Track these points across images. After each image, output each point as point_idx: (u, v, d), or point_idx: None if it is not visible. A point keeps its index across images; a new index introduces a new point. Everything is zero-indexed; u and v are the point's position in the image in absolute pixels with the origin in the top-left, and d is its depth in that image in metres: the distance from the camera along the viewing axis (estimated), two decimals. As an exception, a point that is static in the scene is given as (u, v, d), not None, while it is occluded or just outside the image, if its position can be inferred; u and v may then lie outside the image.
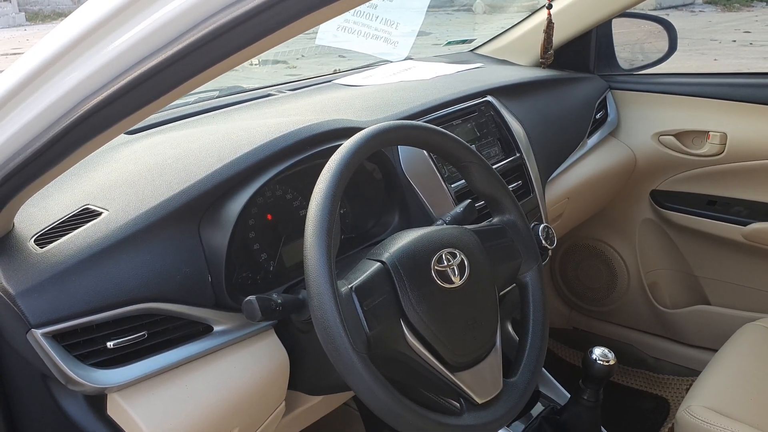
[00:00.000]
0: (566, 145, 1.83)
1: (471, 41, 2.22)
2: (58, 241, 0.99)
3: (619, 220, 2.19)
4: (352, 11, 1.90)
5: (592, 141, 1.96)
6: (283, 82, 1.88)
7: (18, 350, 0.99)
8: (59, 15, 19.28)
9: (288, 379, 1.15)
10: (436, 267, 1.03)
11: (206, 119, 1.47)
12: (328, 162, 1.00)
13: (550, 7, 1.38)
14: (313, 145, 1.18)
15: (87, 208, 1.06)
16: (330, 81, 1.84)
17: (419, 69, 1.91)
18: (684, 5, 13.35)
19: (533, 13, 2.12)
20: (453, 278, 1.04)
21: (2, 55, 12.57)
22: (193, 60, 0.70)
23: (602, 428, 1.51)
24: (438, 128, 1.15)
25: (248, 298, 0.98)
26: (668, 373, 2.18)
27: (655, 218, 2.13)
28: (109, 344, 0.96)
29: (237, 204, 1.07)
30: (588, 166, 1.92)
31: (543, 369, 1.64)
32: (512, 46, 2.13)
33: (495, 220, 1.21)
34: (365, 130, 1.05)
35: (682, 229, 2.08)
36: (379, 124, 1.07)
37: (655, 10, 11.46)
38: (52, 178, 0.89)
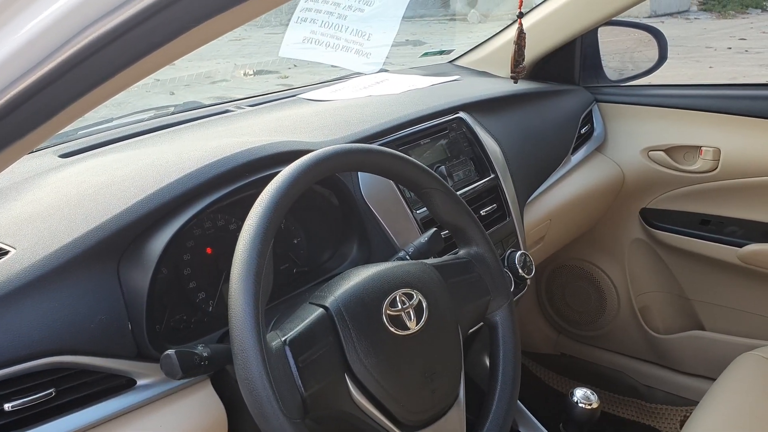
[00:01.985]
0: (548, 163, 1.71)
1: (449, 52, 2.10)
2: None
3: (607, 240, 2.07)
4: (319, 22, 1.78)
5: (576, 157, 1.83)
6: (245, 96, 1.76)
7: None
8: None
9: None
10: (388, 311, 0.91)
11: (151, 139, 1.34)
12: (262, 193, 0.88)
13: (521, 15, 1.26)
14: (252, 171, 1.06)
15: None
16: (295, 96, 1.72)
17: (392, 82, 1.79)
18: (679, 12, 13.29)
19: (513, 22, 2.00)
20: (408, 323, 0.92)
21: None
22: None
23: None
24: (394, 152, 1.02)
25: (166, 352, 0.86)
26: (661, 402, 2.05)
27: (645, 238, 2.01)
28: (7, 406, 0.83)
29: (161, 240, 0.94)
30: (572, 184, 1.80)
31: (522, 406, 1.52)
32: (492, 56, 2.01)
33: (461, 252, 1.09)
34: (307, 156, 0.93)
35: (674, 250, 1.96)
36: (324, 149, 0.95)
37: (649, 17, 11.39)
38: None
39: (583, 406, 1.26)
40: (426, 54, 2.12)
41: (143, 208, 0.95)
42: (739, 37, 10.77)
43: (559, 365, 2.24)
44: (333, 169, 0.96)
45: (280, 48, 1.76)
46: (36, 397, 0.85)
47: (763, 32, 11.76)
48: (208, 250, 1.09)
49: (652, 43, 2.06)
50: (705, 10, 13.87)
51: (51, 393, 0.86)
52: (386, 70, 2.00)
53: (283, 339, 0.84)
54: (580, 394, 1.28)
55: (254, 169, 1.06)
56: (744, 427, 1.35)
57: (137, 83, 0.66)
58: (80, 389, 0.89)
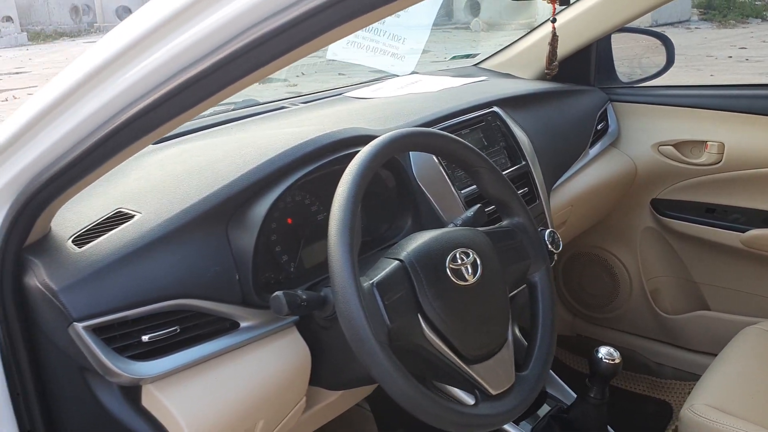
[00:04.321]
0: (569, 155, 1.90)
1: (474, 56, 2.29)
2: (96, 241, 1.05)
3: (620, 228, 2.25)
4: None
5: (593, 151, 2.02)
6: (295, 95, 1.94)
7: (57, 344, 1.04)
8: (60, 34, 19.42)
9: (309, 375, 1.21)
10: (450, 265, 1.09)
11: (223, 130, 1.53)
12: (349, 166, 1.06)
13: (554, 21, 1.45)
14: (332, 152, 1.25)
15: (120, 211, 1.12)
16: (340, 94, 1.91)
17: (425, 82, 1.98)
18: (680, 22, 13.49)
19: (534, 29, 2.20)
20: (467, 276, 1.10)
21: (6, 74, 12.68)
22: (231, 69, 0.77)
23: (608, 427, 1.56)
24: (450, 135, 1.21)
25: (275, 293, 1.04)
26: (670, 378, 2.23)
27: (655, 226, 2.20)
28: (144, 338, 1.01)
29: (263, 207, 1.13)
30: (590, 175, 1.99)
31: (550, 370, 1.70)
32: (515, 60, 2.21)
33: (504, 222, 1.27)
34: (382, 136, 1.11)
35: (682, 237, 2.15)
36: (394, 131, 1.13)
37: (650, 26, 11.58)
38: (90, 182, 0.96)
39: (608, 361, 1.44)
40: (454, 57, 2.31)
41: (248, 179, 1.14)
42: (739, 46, 10.97)
43: (575, 346, 2.42)
44: (403, 148, 1.15)
45: (328, 51, 1.96)
46: (165, 332, 1.03)
47: (764, 41, 11.95)
48: (289, 221, 1.27)
49: (660, 49, 2.25)
50: (705, 20, 14.06)
51: (176, 330, 1.04)
52: (416, 73, 2.19)
53: (371, 282, 1.02)
54: (604, 351, 1.46)
55: (335, 149, 1.25)
56: (747, 392, 1.51)
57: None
58: (197, 328, 1.07)
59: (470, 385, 1.09)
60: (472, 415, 1.05)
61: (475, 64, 2.29)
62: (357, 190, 1.03)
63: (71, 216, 1.12)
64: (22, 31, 18.71)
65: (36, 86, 11.03)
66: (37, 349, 1.08)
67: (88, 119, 0.86)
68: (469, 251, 1.12)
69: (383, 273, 1.04)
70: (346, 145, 1.27)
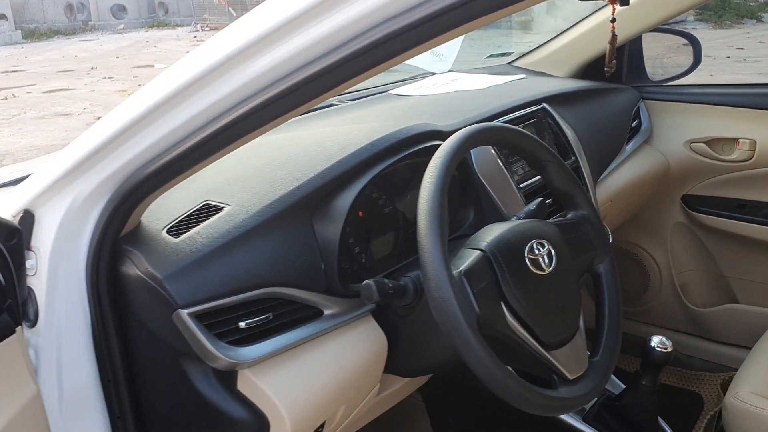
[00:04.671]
0: (610, 151, 1.95)
1: (510, 54, 2.34)
2: (191, 232, 1.08)
3: (651, 223, 2.30)
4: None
5: (629, 148, 2.07)
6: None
7: (153, 330, 1.08)
8: (55, 32, 19.35)
9: (385, 362, 1.25)
10: (528, 255, 1.14)
11: (283, 127, 1.56)
12: (433, 159, 1.10)
13: (613, 21, 1.50)
14: (407, 146, 1.29)
15: (207, 204, 1.16)
16: (384, 92, 1.95)
17: (466, 80, 2.02)
18: (676, 22, 13.57)
19: (567, 29, 2.24)
20: (543, 266, 1.15)
21: (2, 72, 12.65)
22: (343, 69, 0.80)
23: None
24: (522, 130, 1.25)
25: (366, 281, 1.08)
26: (700, 370, 2.28)
27: (686, 221, 2.25)
28: (241, 324, 1.05)
29: (347, 199, 1.17)
30: (626, 172, 2.03)
31: None
32: (549, 58, 2.25)
33: (569, 215, 1.32)
34: (462, 131, 1.16)
35: (713, 232, 2.20)
36: (473, 126, 1.18)
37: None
38: (186, 177, 0.99)
39: (660, 349, 1.49)
40: (491, 56, 2.37)
41: (330, 174, 1.18)
42: (736, 47, 11.08)
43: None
44: (481, 142, 1.19)
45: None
46: (260, 319, 1.07)
47: (760, 42, 12.07)
48: (360, 214, 1.31)
49: (681, 49, 2.31)
50: (701, 20, 14.16)
51: (269, 316, 1.08)
52: (452, 71, 2.24)
53: (459, 270, 1.06)
54: (656, 340, 1.51)
55: (411, 143, 1.29)
56: None
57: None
58: (286, 315, 1.11)
59: (548, 371, 1.13)
60: (555, 398, 1.09)
61: (508, 63, 2.34)
62: (443, 181, 1.07)
63: (157, 208, 1.16)
64: (16, 29, 18.65)
65: (34, 84, 11.04)
66: (129, 336, 1.12)
67: (192, 119, 0.90)
68: (544, 242, 1.17)
69: (469, 262, 1.08)
70: (419, 140, 1.31)
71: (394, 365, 1.27)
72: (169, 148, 0.94)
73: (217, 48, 0.86)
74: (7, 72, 12.76)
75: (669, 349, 1.50)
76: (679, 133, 2.16)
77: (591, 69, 2.21)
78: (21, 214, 1.07)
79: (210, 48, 0.88)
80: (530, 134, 1.26)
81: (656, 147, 2.18)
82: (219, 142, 0.91)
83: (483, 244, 1.13)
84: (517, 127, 1.25)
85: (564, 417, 1.53)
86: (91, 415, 1.12)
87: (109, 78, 11.58)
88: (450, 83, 1.99)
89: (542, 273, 1.14)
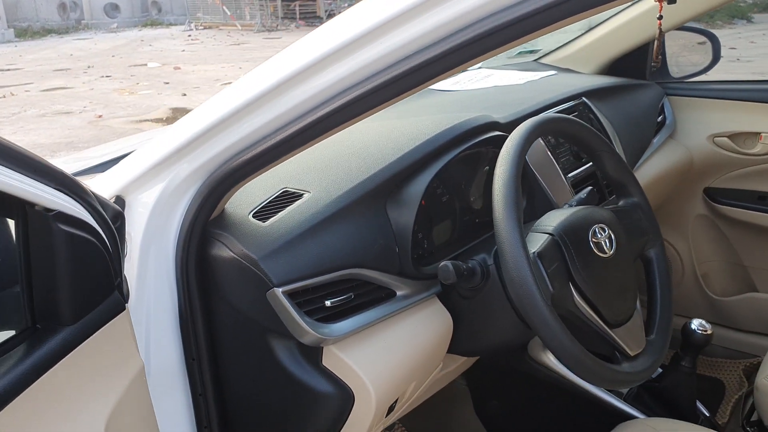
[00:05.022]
0: (641, 144, 2.02)
1: (537, 51, 2.41)
2: (277, 216, 1.15)
3: (674, 215, 2.38)
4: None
5: (656, 142, 2.14)
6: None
7: (242, 309, 1.14)
8: (48, 31, 19.30)
9: (449, 341, 1.31)
10: (592, 239, 1.20)
11: None
12: (504, 148, 1.17)
13: (660, 18, 1.57)
14: (471, 137, 1.35)
15: (286, 191, 1.22)
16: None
17: (499, 76, 2.09)
18: (669, 22, 13.67)
19: (593, 27, 2.31)
20: (606, 249, 1.21)
21: (-2, 70, 12.63)
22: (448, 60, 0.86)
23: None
24: (581, 121, 1.32)
25: (444, 263, 1.15)
26: (721, 357, 2.36)
27: (708, 213, 2.32)
28: (327, 303, 1.11)
29: (420, 186, 1.24)
30: (653, 165, 2.10)
31: None
32: (576, 56, 2.32)
33: (621, 202, 1.38)
34: (529, 121, 1.22)
35: (734, 223, 2.27)
36: (538, 117, 1.24)
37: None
38: (274, 166, 1.06)
39: (701, 331, 1.56)
40: (521, 53, 2.43)
41: (402, 163, 1.25)
42: (729, 47, 11.20)
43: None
44: (546, 132, 1.26)
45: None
46: (343, 298, 1.13)
47: (752, 42, 12.22)
48: (422, 202, 1.37)
49: (702, 47, 2.39)
50: (694, 21, 14.26)
51: (351, 296, 1.15)
52: (482, 67, 2.30)
53: (533, 252, 1.13)
54: (696, 323, 1.58)
55: (475, 134, 1.36)
56: None
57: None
58: (365, 296, 1.17)
59: (611, 347, 1.20)
60: (621, 372, 1.16)
61: (535, 59, 2.41)
62: (517, 169, 1.14)
63: (238, 195, 1.22)
64: (8, 27, 18.58)
65: (32, 83, 11.03)
66: (214, 316, 1.18)
67: (282, 115, 0.97)
68: (605, 227, 1.24)
69: (540, 245, 1.15)
70: (482, 131, 1.38)
71: (455, 345, 1.34)
72: (260, 140, 1.00)
73: (305, 51, 0.93)
74: (2, 70, 12.73)
75: (708, 332, 1.57)
76: (702, 127, 2.23)
77: (616, 66, 2.29)
78: (113, 200, 1.12)
79: (297, 50, 0.95)
80: (588, 125, 1.33)
81: (680, 141, 2.25)
82: (306, 136, 0.97)
83: (550, 228, 1.20)
84: (576, 119, 1.32)
85: (606, 397, 1.59)
86: (175, 392, 1.18)
87: (107, 76, 11.59)
88: (485, 79, 2.06)
89: (605, 256, 1.21)
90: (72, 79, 11.46)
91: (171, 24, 21.30)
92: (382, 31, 0.87)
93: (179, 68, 12.43)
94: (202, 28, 20.32)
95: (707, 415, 1.67)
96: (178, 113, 8.51)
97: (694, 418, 1.64)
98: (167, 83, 10.89)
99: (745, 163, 2.19)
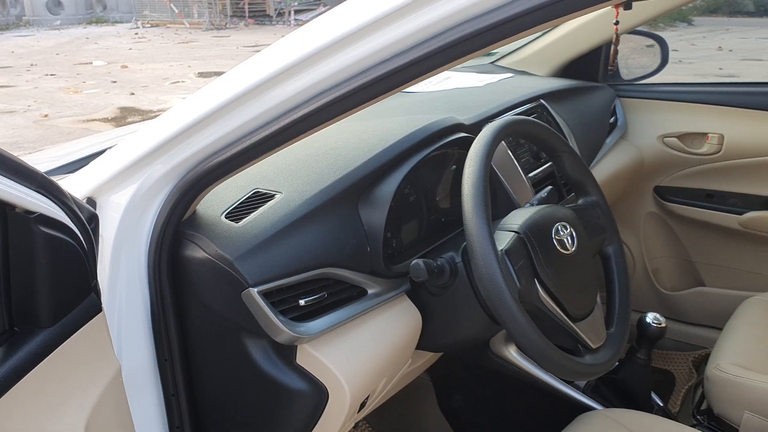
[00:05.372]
0: (595, 145, 2.09)
1: (493, 54, 2.46)
2: (250, 217, 1.16)
3: (625, 213, 2.46)
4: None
5: (609, 142, 2.21)
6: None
7: (216, 309, 1.15)
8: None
9: (418, 337, 1.34)
10: (555, 237, 1.25)
11: None
12: (472, 149, 1.21)
13: (617, 23, 1.63)
14: (440, 138, 1.39)
15: (258, 191, 1.23)
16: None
17: (458, 78, 2.13)
18: (613, 25, 13.99)
19: (547, 31, 2.38)
20: (568, 246, 1.26)
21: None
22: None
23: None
24: (543, 123, 1.37)
25: (416, 260, 1.18)
26: (671, 349, 2.45)
27: (657, 211, 2.41)
28: (301, 302, 1.13)
29: (391, 186, 1.26)
30: (605, 165, 2.17)
31: None
32: (531, 59, 2.39)
33: (580, 201, 1.44)
34: (495, 122, 1.26)
35: (683, 220, 2.37)
36: (504, 118, 1.29)
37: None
38: (248, 167, 1.07)
39: (656, 325, 1.63)
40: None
41: (373, 164, 1.27)
42: (671, 49, 11.51)
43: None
44: (511, 134, 1.30)
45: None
46: (316, 297, 1.15)
47: (693, 44, 12.61)
48: (391, 204, 1.40)
49: (644, 50, 2.48)
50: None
51: (324, 295, 1.17)
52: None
53: (501, 249, 1.17)
54: (651, 316, 1.65)
55: (440, 136, 1.39)
56: (760, 351, 1.71)
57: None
58: (337, 294, 1.20)
59: (574, 341, 1.25)
60: (584, 364, 1.21)
61: (491, 62, 2.46)
62: (485, 169, 1.18)
63: (208, 195, 1.22)
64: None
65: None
66: (187, 316, 1.18)
67: (257, 118, 0.98)
68: (566, 224, 1.28)
69: (507, 242, 1.19)
70: (448, 132, 1.41)
71: (424, 341, 1.37)
72: (235, 142, 1.01)
73: (280, 53, 0.95)
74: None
75: (663, 325, 1.64)
76: (652, 128, 2.32)
77: (570, 68, 2.36)
78: (85, 201, 1.12)
79: (273, 53, 0.96)
80: (550, 128, 1.38)
81: (631, 142, 2.34)
82: (281, 138, 0.99)
83: (516, 227, 1.24)
84: (539, 121, 1.36)
85: (565, 390, 1.65)
86: (147, 392, 1.18)
87: (51, 75, 11.31)
88: (444, 81, 2.10)
89: (567, 252, 1.26)
90: (14, 77, 11.15)
91: (117, 22, 20.88)
92: (360, 36, 0.88)
93: (126, 67, 12.21)
94: (149, 26, 19.99)
95: (661, 404, 1.74)
96: (126, 112, 8.37)
97: (648, 407, 1.71)
98: (115, 82, 10.70)
99: (693, 162, 2.28)
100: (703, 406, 1.74)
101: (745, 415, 1.55)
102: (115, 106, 8.68)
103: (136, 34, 18.18)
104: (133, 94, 9.72)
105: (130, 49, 15.04)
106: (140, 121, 6.73)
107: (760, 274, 2.29)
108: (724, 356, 1.69)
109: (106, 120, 7.97)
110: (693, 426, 1.50)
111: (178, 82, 10.78)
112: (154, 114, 8.29)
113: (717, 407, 1.62)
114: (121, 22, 20.65)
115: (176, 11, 20.13)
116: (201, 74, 11.41)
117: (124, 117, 8.14)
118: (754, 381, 1.58)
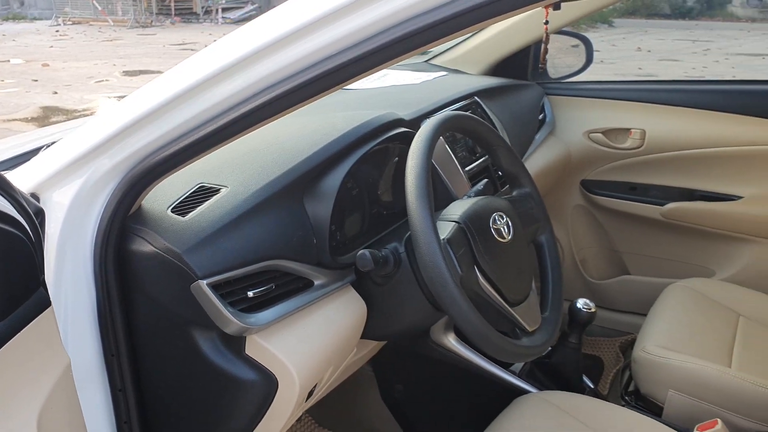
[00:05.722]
0: (525, 141, 2.17)
1: (427, 52, 2.52)
2: (197, 211, 1.17)
3: (554, 206, 2.56)
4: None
5: (538, 138, 2.31)
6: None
7: (164, 303, 1.16)
8: None
9: (363, 327, 1.39)
10: (493, 226, 1.31)
11: None
12: (414, 143, 1.26)
13: (546, 23, 1.71)
14: (383, 132, 1.43)
15: (203, 186, 1.25)
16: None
17: (395, 76, 2.18)
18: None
19: (478, 31, 2.45)
20: (505, 234, 1.33)
21: None
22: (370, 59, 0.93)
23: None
24: (479, 118, 1.43)
25: (362, 251, 1.22)
26: (598, 336, 2.57)
27: (584, 203, 2.52)
28: (250, 293, 1.16)
29: (335, 179, 1.30)
30: (535, 160, 2.26)
31: None
32: (464, 57, 2.46)
33: (514, 193, 1.50)
34: (435, 117, 1.32)
35: (608, 212, 2.48)
36: (443, 114, 1.34)
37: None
38: (194, 161, 1.09)
39: (585, 310, 1.72)
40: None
41: (318, 157, 1.31)
42: (594, 49, 11.93)
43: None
44: (451, 128, 1.35)
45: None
46: (264, 289, 1.18)
47: (613, 45, 13.06)
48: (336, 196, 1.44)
49: (570, 50, 2.59)
50: (562, 24, 15.03)
51: (272, 287, 1.19)
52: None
53: (443, 238, 1.22)
54: (581, 302, 1.73)
55: (383, 131, 1.43)
56: (683, 333, 1.81)
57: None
58: (284, 286, 1.23)
59: (512, 324, 1.31)
60: (522, 346, 1.27)
61: (426, 60, 2.52)
62: (427, 162, 1.23)
63: (153, 190, 1.23)
64: None
65: None
66: (133, 311, 1.19)
67: (203, 112, 1.00)
68: (503, 214, 1.35)
69: (449, 232, 1.24)
70: (389, 127, 1.46)
71: (369, 330, 1.41)
72: (181, 137, 1.03)
73: (226, 49, 0.97)
74: None
75: (593, 310, 1.72)
76: (578, 124, 2.43)
77: (500, 67, 2.44)
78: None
79: (218, 48, 0.99)
80: (486, 123, 1.44)
81: (559, 137, 2.44)
82: (226, 133, 1.01)
83: (456, 217, 1.29)
84: (476, 116, 1.42)
85: (502, 375, 1.72)
86: (95, 388, 1.18)
87: (-34, 73, 10.86)
88: (381, 78, 2.14)
89: (504, 241, 1.32)
90: (-74, 75, 10.67)
91: (36, 18, 20.15)
92: (301, 34, 0.91)
93: (48, 65, 11.82)
94: (71, 23, 19.38)
95: (592, 386, 1.83)
96: (49, 112, 8.12)
97: (580, 390, 1.79)
98: (36, 80, 10.35)
99: (616, 156, 2.40)
100: (631, 388, 1.83)
101: (669, 393, 1.65)
102: (37, 106, 8.40)
103: (57, 31, 17.61)
104: (56, 93, 9.42)
105: (52, 47, 14.56)
106: (65, 121, 6.53)
107: (681, 262, 2.42)
108: (649, 339, 1.79)
109: (27, 120, 7.71)
110: (622, 406, 1.58)
111: (103, 80, 10.51)
112: (78, 114, 8.07)
113: (643, 387, 1.72)
114: (41, 19, 19.95)
115: (99, 8, 19.58)
116: (127, 73, 11.16)
117: (47, 116, 7.89)
118: (677, 361, 1.68)
